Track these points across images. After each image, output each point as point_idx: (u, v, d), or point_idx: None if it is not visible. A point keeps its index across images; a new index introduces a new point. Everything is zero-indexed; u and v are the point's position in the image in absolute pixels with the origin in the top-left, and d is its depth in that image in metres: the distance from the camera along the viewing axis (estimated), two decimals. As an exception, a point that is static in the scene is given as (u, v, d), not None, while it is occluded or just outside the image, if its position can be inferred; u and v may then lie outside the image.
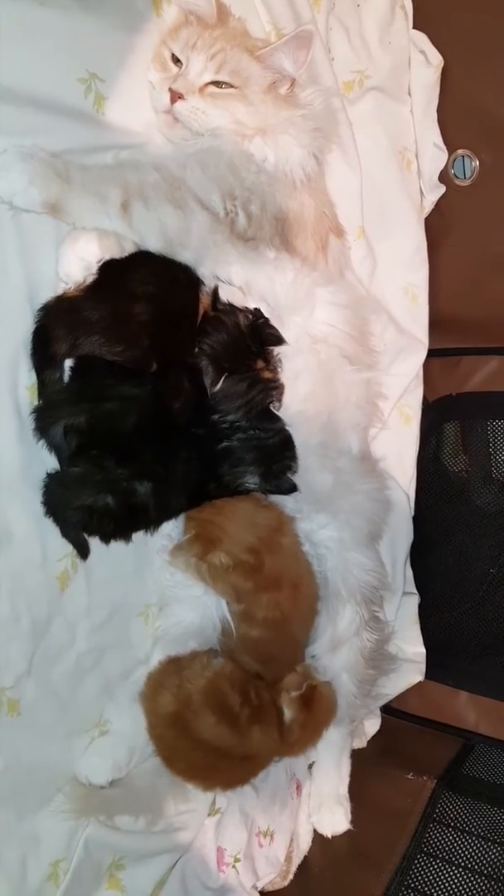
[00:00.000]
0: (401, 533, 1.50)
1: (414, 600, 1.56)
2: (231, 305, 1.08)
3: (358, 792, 1.37)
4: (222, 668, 1.14)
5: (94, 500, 0.99)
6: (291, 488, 1.14)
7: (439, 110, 1.46)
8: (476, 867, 1.23)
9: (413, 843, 1.28)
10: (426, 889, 1.21)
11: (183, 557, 1.15)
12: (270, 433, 1.11)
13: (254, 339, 1.09)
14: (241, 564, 1.11)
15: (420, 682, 1.53)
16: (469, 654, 1.55)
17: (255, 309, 1.10)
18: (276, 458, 1.11)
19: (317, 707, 1.19)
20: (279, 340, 1.11)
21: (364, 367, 1.23)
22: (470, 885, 1.21)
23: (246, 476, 1.11)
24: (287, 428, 1.13)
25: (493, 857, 1.24)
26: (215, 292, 1.08)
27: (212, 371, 1.07)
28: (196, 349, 1.08)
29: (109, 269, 0.99)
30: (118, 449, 1.00)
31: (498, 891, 1.19)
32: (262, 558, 1.12)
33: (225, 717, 1.09)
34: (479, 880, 1.21)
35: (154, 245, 1.02)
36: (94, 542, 1.05)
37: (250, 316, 1.09)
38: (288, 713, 1.17)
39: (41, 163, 0.94)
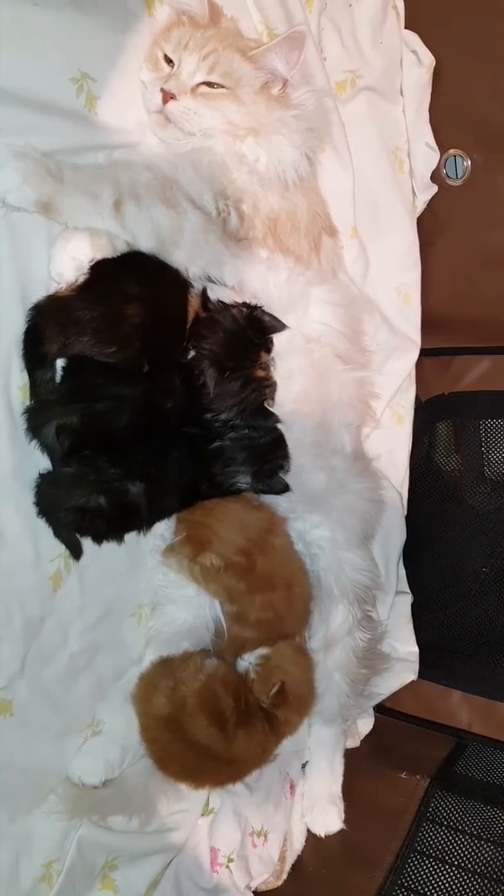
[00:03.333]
0: (394, 532, 1.50)
1: (407, 599, 1.56)
2: (222, 303, 1.08)
3: (351, 791, 1.37)
4: (216, 670, 1.14)
5: (87, 500, 0.99)
6: (284, 488, 1.13)
7: (431, 110, 1.46)
8: (469, 866, 1.23)
9: (406, 842, 1.28)
10: (420, 888, 1.21)
11: (175, 558, 1.15)
12: (262, 432, 1.11)
13: (254, 329, 1.08)
14: (233, 566, 1.11)
15: (413, 682, 1.53)
16: (462, 653, 1.55)
17: (245, 302, 1.09)
18: (267, 457, 1.11)
19: (294, 694, 1.18)
20: (281, 325, 1.11)
21: (357, 367, 1.24)
22: (463, 883, 1.21)
23: (238, 476, 1.11)
24: (280, 427, 1.13)
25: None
26: (204, 294, 1.07)
27: (214, 373, 1.07)
28: (193, 354, 1.07)
29: (101, 269, 0.99)
30: (110, 449, 1.00)
31: (491, 889, 1.19)
32: (253, 559, 1.12)
33: (216, 721, 1.09)
34: (472, 879, 1.21)
35: (146, 245, 1.01)
36: (87, 543, 1.05)
37: (244, 309, 1.08)
38: (278, 714, 1.16)
39: (34, 162, 0.94)
